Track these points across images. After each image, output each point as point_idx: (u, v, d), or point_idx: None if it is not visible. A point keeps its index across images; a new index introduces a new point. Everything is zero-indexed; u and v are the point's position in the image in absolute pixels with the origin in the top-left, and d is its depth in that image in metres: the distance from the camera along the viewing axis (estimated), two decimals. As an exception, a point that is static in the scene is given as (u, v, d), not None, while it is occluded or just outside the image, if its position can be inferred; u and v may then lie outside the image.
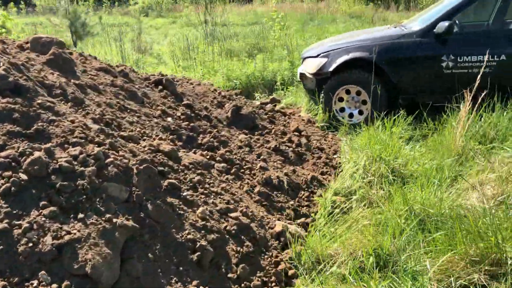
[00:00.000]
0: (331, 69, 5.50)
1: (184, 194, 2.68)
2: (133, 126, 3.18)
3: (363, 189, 3.61)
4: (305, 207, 3.47)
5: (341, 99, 5.67)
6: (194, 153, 3.41)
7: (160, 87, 4.13)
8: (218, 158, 3.50)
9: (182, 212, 2.54)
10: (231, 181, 3.29)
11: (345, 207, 3.44)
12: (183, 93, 4.21)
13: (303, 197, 3.61)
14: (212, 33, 12.35)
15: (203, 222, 2.55)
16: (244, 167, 3.61)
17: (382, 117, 4.79)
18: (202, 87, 4.70)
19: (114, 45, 10.16)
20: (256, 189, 3.36)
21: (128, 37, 12.88)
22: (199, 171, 3.02)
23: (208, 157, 3.40)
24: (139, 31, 12.50)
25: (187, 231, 2.43)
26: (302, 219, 3.30)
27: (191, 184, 2.82)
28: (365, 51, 5.35)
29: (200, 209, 2.62)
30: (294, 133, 4.81)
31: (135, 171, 2.48)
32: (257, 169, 3.65)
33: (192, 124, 3.77)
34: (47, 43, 3.48)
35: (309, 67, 5.92)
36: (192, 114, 3.97)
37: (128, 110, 3.33)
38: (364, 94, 5.47)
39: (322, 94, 5.67)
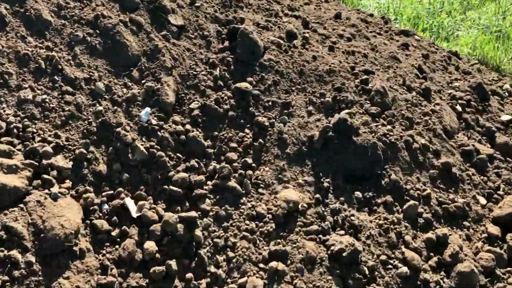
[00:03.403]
0: None
1: None
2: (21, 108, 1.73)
3: None
4: None
5: None
6: (112, 198, 1.69)
7: (227, 43, 2.27)
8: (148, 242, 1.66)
9: None
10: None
11: None
12: (271, 66, 2.22)
13: None
14: None
15: None
16: (211, 272, 1.63)
17: None
18: (340, 63, 2.47)
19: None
20: None
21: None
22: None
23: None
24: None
25: None
26: None
27: None
28: None
29: None
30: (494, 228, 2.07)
31: None
32: (227, 290, 1.61)
33: (193, 133, 1.91)
34: None
35: None
36: (232, 112, 2.04)
37: (76, 82, 1.85)
38: None
39: None
